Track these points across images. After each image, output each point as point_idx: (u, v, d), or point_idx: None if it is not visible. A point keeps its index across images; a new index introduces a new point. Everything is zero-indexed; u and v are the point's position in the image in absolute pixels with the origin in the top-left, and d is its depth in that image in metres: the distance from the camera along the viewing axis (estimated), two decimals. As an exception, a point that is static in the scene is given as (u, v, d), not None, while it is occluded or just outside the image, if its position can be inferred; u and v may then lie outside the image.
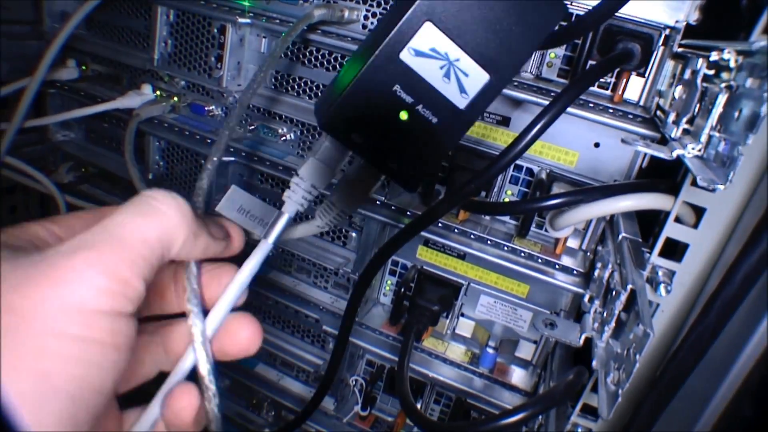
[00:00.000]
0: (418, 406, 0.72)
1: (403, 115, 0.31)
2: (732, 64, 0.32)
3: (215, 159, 0.33)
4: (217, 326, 0.29)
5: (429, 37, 0.30)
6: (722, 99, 0.33)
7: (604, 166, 0.56)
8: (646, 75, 0.50)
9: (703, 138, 0.34)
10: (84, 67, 0.76)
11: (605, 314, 0.43)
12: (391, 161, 0.32)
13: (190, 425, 0.27)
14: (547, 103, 0.50)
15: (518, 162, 0.58)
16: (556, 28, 0.33)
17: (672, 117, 0.40)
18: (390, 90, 0.30)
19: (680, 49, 0.46)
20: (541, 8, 0.30)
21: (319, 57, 0.62)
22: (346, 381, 0.73)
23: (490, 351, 0.64)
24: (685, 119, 0.37)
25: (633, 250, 0.42)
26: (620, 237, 0.45)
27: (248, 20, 0.59)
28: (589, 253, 0.56)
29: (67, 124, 0.80)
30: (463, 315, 0.66)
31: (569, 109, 0.50)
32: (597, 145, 0.55)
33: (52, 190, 0.72)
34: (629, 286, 0.37)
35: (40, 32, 0.74)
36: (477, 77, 0.31)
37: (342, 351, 0.56)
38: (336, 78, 0.34)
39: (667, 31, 0.49)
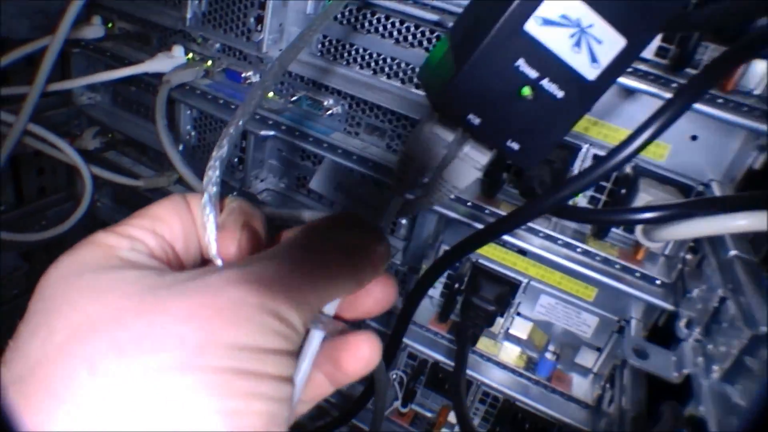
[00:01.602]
0: (462, 405, 0.68)
1: (526, 91, 0.27)
2: None
3: (240, 123, 0.27)
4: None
5: (558, 2, 0.25)
6: None
7: (699, 162, 0.48)
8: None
9: None
10: (110, 25, 0.70)
11: (711, 347, 0.36)
12: (511, 141, 0.29)
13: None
14: (643, 87, 0.44)
15: (597, 152, 0.51)
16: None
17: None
18: (512, 65, 0.26)
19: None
20: None
21: (375, 22, 0.54)
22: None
23: (549, 357, 0.58)
24: None
25: (751, 275, 0.35)
26: (730, 255, 0.38)
27: (295, -23, 0.52)
28: (676, 261, 0.49)
29: (94, 86, 0.74)
30: (519, 314, 0.61)
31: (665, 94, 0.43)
32: (694, 138, 0.48)
33: (76, 160, 0.67)
34: (763, 329, 0.30)
35: (63, -16, 0.68)
36: (612, 43, 0.26)
37: (392, 356, 0.51)
38: (442, 51, 0.30)
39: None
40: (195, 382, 0.18)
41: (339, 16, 0.55)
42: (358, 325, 0.28)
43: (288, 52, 0.33)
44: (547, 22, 0.25)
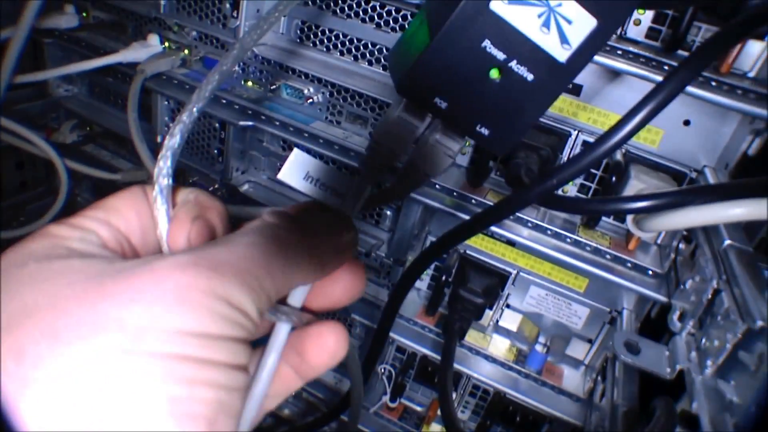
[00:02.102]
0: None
1: (494, 74, 0.26)
2: None
3: (195, 109, 0.25)
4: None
5: None
6: None
7: (693, 148, 0.47)
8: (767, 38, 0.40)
9: None
10: (84, 14, 0.67)
11: (705, 341, 0.35)
12: (480, 126, 0.28)
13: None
14: (633, 70, 0.42)
15: (586, 138, 0.49)
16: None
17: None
18: (478, 46, 0.25)
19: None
20: None
21: (355, 6, 0.52)
22: (374, 369, 0.67)
23: (540, 350, 0.57)
24: None
25: (746, 266, 0.34)
26: (724, 245, 0.36)
27: (270, -40, 0.50)
28: (669, 251, 0.47)
29: (70, 77, 0.72)
30: (509, 306, 0.59)
31: (656, 77, 0.41)
32: (687, 122, 0.46)
33: (51, 154, 0.65)
34: (759, 323, 0.29)
35: (32, -30, 0.65)
36: (582, 23, 0.25)
37: (378, 352, 0.49)
38: (410, 32, 0.29)
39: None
40: (136, 368, 0.17)
41: (319, 0, 0.53)
42: (332, 317, 0.27)
43: (251, 33, 0.31)
44: (515, 1, 0.23)
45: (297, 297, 0.26)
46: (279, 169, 0.37)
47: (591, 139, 0.49)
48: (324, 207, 0.26)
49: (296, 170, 0.36)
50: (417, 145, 0.30)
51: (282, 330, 0.25)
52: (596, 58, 0.41)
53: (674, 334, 0.38)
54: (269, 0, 0.55)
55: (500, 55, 0.25)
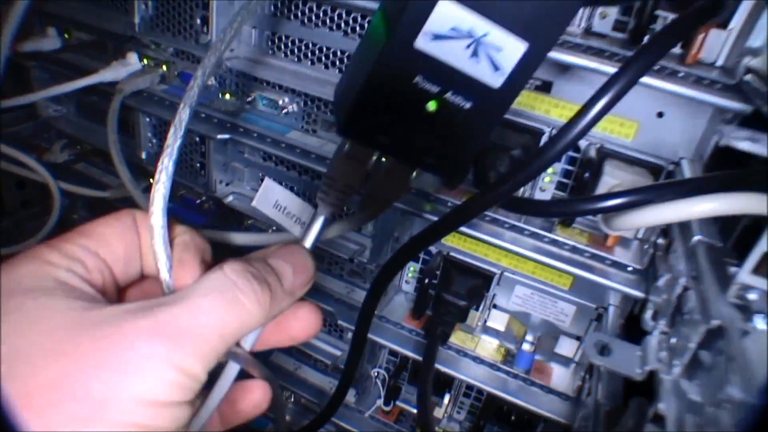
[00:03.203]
0: (446, 399, 0.66)
1: (431, 106, 0.26)
2: None
3: (173, 149, 0.27)
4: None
5: (447, 15, 0.24)
6: None
7: (667, 140, 0.46)
8: (730, 27, 0.39)
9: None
10: (67, 36, 0.68)
11: (674, 341, 0.34)
12: (426, 156, 0.28)
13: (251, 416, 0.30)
14: (595, 66, 0.41)
15: (561, 135, 0.49)
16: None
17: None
18: (410, 82, 0.25)
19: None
20: None
21: (321, 15, 0.52)
22: (368, 373, 0.67)
23: (527, 349, 0.56)
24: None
25: (713, 262, 0.33)
26: (694, 241, 0.36)
27: (233, -26, 0.50)
28: (647, 246, 0.46)
29: (58, 98, 0.73)
30: (495, 306, 0.59)
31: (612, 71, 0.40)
32: (660, 114, 0.45)
33: (43, 174, 0.66)
34: (715, 322, 0.28)
35: (10, -4, 0.66)
36: (512, 49, 0.25)
37: (358, 355, 0.49)
38: (348, 72, 0.29)
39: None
40: None
41: (287, 10, 0.53)
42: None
43: (211, 53, 0.32)
44: (438, 37, 0.24)
45: (249, 340, 0.28)
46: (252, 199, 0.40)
47: (564, 136, 0.48)
48: (287, 251, 0.28)
49: (266, 199, 0.38)
50: (371, 176, 0.31)
51: (231, 370, 0.27)
52: (560, 56, 0.41)
53: (648, 333, 0.37)
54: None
55: (434, 88, 0.25)
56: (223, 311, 0.24)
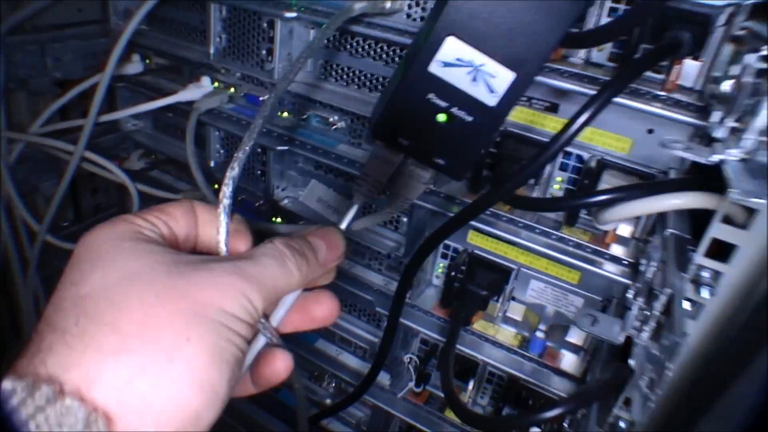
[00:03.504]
0: (470, 385, 0.74)
1: (441, 117, 0.34)
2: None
3: (247, 148, 0.35)
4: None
5: (453, 48, 0.32)
6: (770, 101, 0.31)
7: (659, 153, 0.53)
8: (703, 58, 0.47)
9: (748, 142, 0.32)
10: (148, 61, 0.80)
11: (647, 313, 0.42)
12: (437, 158, 0.36)
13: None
14: (589, 91, 0.50)
15: (568, 149, 0.57)
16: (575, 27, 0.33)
17: (718, 114, 0.38)
18: (425, 98, 0.34)
19: (742, 32, 0.43)
20: (554, 7, 0.31)
21: (366, 47, 0.62)
22: (401, 359, 0.76)
23: (540, 336, 0.64)
24: (732, 118, 0.35)
25: (678, 249, 0.41)
26: (667, 233, 0.44)
27: (294, 14, 0.60)
28: (641, 243, 0.54)
29: (137, 114, 0.85)
30: (514, 299, 0.67)
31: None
32: (651, 131, 0.53)
33: (125, 179, 0.78)
34: (668, 291, 0.36)
35: (107, 30, 0.79)
36: (503, 77, 0.34)
37: (391, 336, 0.58)
38: (384, 89, 0.38)
39: (732, 9, 0.46)
40: (198, 325, 0.27)
41: (338, 43, 0.64)
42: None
43: (280, 83, 0.42)
44: (447, 65, 0.33)
45: (284, 307, 0.35)
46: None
47: (570, 150, 0.57)
48: (323, 232, 0.36)
49: (312, 195, 0.45)
50: (397, 175, 0.39)
51: (260, 341, 0.34)
52: (559, 83, 0.50)
53: (628, 309, 0.45)
54: (298, 43, 0.65)
55: (443, 104, 0.34)
56: (276, 270, 0.31)
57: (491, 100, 0.33)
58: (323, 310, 0.37)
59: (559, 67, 0.51)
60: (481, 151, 0.36)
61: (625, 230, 0.57)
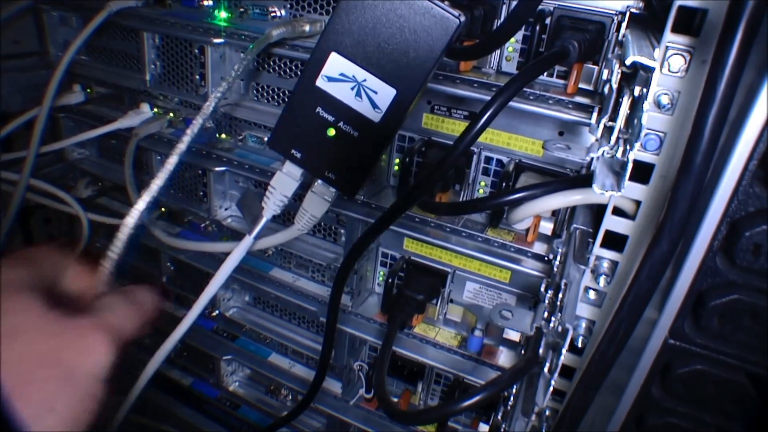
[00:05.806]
0: (419, 387, 0.77)
1: (331, 132, 0.37)
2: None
3: (158, 184, 0.38)
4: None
5: (336, 64, 0.35)
6: (627, 102, 0.34)
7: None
8: (599, 63, 0.51)
9: (613, 140, 0.35)
10: (89, 90, 0.82)
11: (556, 302, 0.45)
12: (328, 171, 0.39)
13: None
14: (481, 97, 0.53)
15: (488, 154, 0.60)
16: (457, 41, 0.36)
17: (595, 115, 0.42)
18: (314, 112, 0.36)
19: (623, 39, 0.47)
20: (431, 26, 0.33)
21: (294, 68, 0.65)
22: (351, 366, 0.78)
23: (477, 335, 0.67)
24: (605, 118, 0.39)
25: (582, 242, 0.44)
26: (572, 228, 0.47)
27: (222, 40, 0.63)
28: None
29: (81, 143, 0.86)
30: (452, 301, 0.70)
31: (516, 104, 0.51)
32: (561, 133, 0.57)
33: (75, 207, 0.79)
34: (563, 281, 0.39)
35: (47, 62, 0.80)
36: (385, 93, 0.36)
37: (331, 341, 0.60)
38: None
39: (618, 18, 0.49)
40: (71, 390, 0.30)
41: (266, 66, 0.66)
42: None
43: (202, 113, 0.44)
44: (331, 79, 0.35)
45: None
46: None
47: (491, 155, 0.60)
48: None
49: (244, 200, 0.47)
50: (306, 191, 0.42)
51: None
52: (468, 93, 0.53)
53: (539, 302, 0.48)
54: (230, 67, 0.68)
55: (330, 118, 0.36)
56: (121, 316, 0.35)
57: (376, 116, 0.36)
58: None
59: (472, 78, 0.54)
60: (369, 169, 0.38)
61: (546, 228, 0.60)
